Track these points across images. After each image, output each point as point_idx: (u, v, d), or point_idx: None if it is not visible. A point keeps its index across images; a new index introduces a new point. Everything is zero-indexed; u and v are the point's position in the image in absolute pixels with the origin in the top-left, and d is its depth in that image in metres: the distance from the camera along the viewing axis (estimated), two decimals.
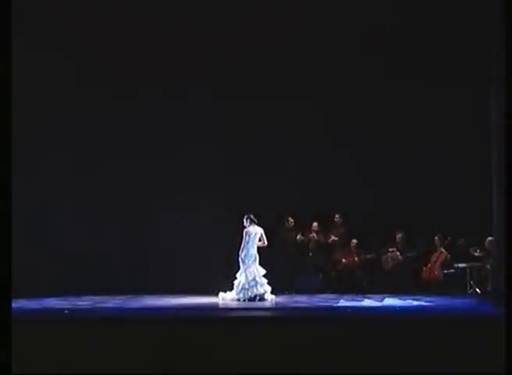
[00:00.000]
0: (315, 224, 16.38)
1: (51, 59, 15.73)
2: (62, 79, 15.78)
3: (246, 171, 16.07)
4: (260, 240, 14.06)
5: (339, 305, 12.78)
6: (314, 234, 16.34)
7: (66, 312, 11.82)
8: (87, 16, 15.64)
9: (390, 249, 15.94)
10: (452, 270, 15.35)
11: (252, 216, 14.06)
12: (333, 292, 15.25)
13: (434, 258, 15.62)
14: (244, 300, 13.73)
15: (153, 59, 15.96)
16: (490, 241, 14.01)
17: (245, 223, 14.06)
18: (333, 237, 16.28)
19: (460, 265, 15.19)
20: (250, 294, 13.76)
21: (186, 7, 15.63)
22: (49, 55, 15.74)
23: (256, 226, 14.07)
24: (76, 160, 16.15)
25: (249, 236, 13.98)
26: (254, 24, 15.63)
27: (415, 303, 12.75)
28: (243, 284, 13.81)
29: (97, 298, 14.03)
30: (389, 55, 15.83)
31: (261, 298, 13.81)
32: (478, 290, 14.83)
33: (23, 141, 14.44)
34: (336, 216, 16.39)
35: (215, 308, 12.87)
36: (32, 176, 15.69)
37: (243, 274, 13.86)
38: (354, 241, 16.12)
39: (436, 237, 15.60)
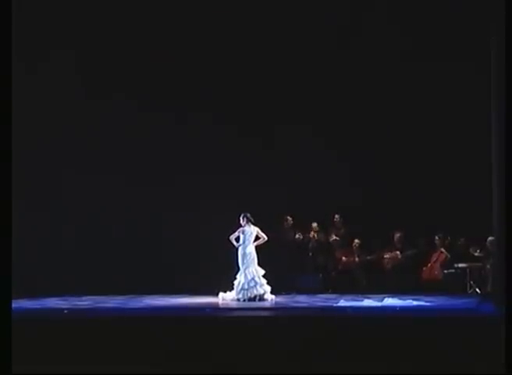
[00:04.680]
0: (315, 224, 16.34)
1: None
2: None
3: (246, 171, 16.04)
4: (257, 239, 14.04)
5: (339, 305, 12.78)
6: (315, 234, 16.32)
7: (66, 312, 11.83)
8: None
9: (390, 249, 15.92)
10: (452, 270, 15.31)
11: (249, 215, 14.03)
12: (333, 292, 15.22)
13: (434, 258, 15.60)
14: (244, 300, 13.72)
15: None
16: (490, 241, 14.00)
17: (241, 222, 14.04)
18: (334, 237, 16.25)
19: (460, 265, 15.16)
20: (249, 294, 13.74)
21: None
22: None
23: (252, 226, 14.05)
24: (76, 160, 16.13)
25: (244, 235, 13.98)
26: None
27: (415, 303, 12.72)
28: (243, 284, 13.79)
29: (97, 298, 14.03)
30: (387, 58, 15.83)
31: (261, 298, 13.78)
32: (478, 290, 14.82)
33: (22, 140, 14.47)
34: (336, 216, 16.36)
35: (215, 308, 12.86)
36: (32, 175, 15.66)
37: (243, 274, 13.84)
38: (357, 241, 16.06)
39: (436, 237, 15.56)
